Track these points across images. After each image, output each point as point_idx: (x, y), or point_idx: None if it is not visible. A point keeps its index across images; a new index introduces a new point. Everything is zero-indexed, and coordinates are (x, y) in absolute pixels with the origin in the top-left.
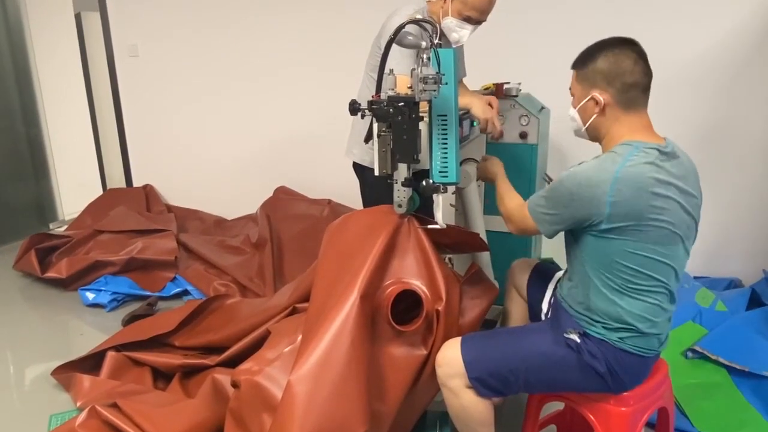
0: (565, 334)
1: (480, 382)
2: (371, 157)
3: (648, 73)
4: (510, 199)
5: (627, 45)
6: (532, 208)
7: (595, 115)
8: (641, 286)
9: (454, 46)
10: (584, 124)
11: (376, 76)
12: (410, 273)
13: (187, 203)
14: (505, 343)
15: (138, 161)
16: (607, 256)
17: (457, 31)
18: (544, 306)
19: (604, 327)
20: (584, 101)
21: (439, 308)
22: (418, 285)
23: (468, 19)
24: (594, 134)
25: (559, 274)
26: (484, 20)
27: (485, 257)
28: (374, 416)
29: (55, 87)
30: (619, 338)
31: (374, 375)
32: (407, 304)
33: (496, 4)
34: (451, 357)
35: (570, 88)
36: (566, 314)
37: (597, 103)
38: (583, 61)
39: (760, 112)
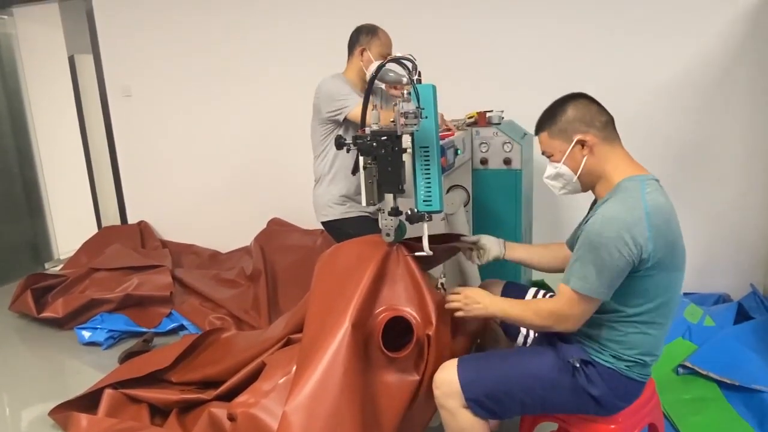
0: (569, 361)
1: (476, 404)
2: (338, 210)
3: (610, 114)
4: (534, 310)
5: (582, 96)
6: (581, 287)
7: (585, 158)
8: (655, 317)
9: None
10: (576, 173)
11: (324, 148)
12: (400, 300)
13: (181, 238)
14: (501, 365)
15: (132, 198)
16: (642, 292)
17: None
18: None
19: (612, 356)
20: (570, 149)
21: (430, 333)
22: (409, 311)
23: (386, 57)
24: (588, 179)
25: (532, 291)
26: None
27: (474, 272)
28: None
29: (49, 128)
30: (627, 366)
31: (368, 402)
32: (398, 331)
33: (481, 34)
34: (448, 378)
35: (543, 152)
36: (566, 342)
37: (584, 145)
38: (551, 118)
39: (739, 128)
